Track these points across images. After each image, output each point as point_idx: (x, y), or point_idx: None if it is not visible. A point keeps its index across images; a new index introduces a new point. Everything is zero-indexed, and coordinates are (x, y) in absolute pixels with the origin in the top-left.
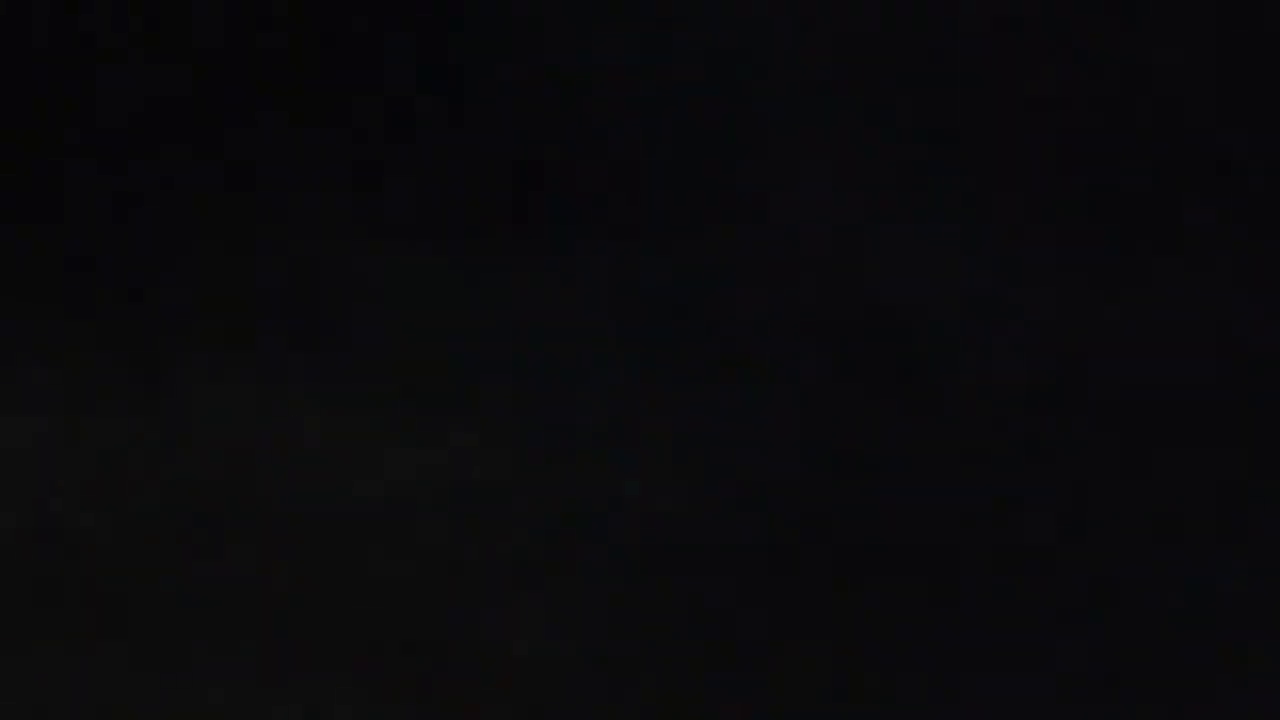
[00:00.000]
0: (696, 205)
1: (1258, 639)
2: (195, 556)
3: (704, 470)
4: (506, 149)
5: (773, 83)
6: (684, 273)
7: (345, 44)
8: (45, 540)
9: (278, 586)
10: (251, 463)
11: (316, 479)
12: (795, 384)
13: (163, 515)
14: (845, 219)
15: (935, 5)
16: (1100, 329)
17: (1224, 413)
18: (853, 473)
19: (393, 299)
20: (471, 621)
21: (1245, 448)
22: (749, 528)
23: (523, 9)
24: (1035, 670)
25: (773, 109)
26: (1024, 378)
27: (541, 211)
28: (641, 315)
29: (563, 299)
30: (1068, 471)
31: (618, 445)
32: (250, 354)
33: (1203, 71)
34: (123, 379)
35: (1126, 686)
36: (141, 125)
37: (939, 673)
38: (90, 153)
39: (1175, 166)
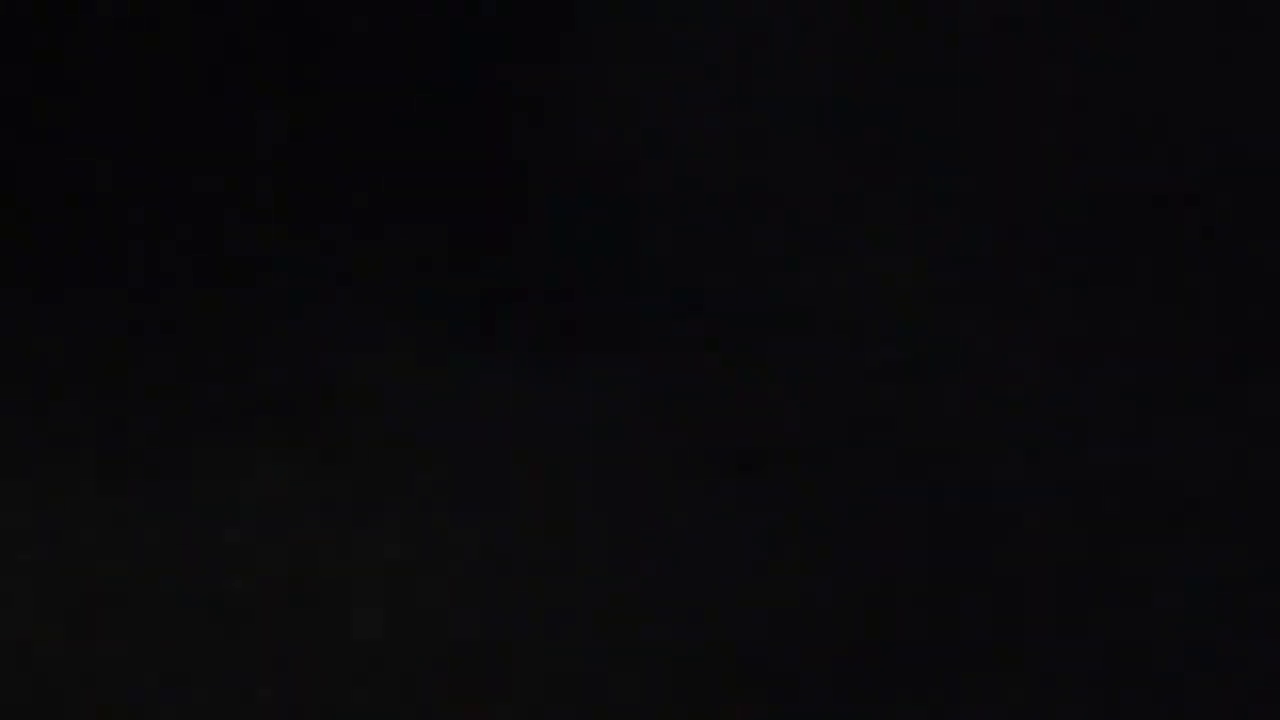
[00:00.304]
0: (732, 314)
1: None
2: (190, 656)
3: (739, 586)
4: (532, 252)
5: (808, 188)
6: (719, 382)
7: (370, 148)
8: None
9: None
10: (251, 561)
11: (318, 580)
12: (838, 494)
13: (148, 607)
14: (887, 330)
15: (975, 110)
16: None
17: None
18: (894, 601)
19: (408, 404)
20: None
21: None
22: (792, 646)
23: (553, 115)
24: None
25: (811, 216)
26: (1084, 488)
27: (572, 317)
28: (671, 423)
29: (592, 407)
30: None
31: (647, 557)
32: (256, 453)
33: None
34: (123, 474)
35: None
36: (153, 218)
37: None
38: (114, 243)
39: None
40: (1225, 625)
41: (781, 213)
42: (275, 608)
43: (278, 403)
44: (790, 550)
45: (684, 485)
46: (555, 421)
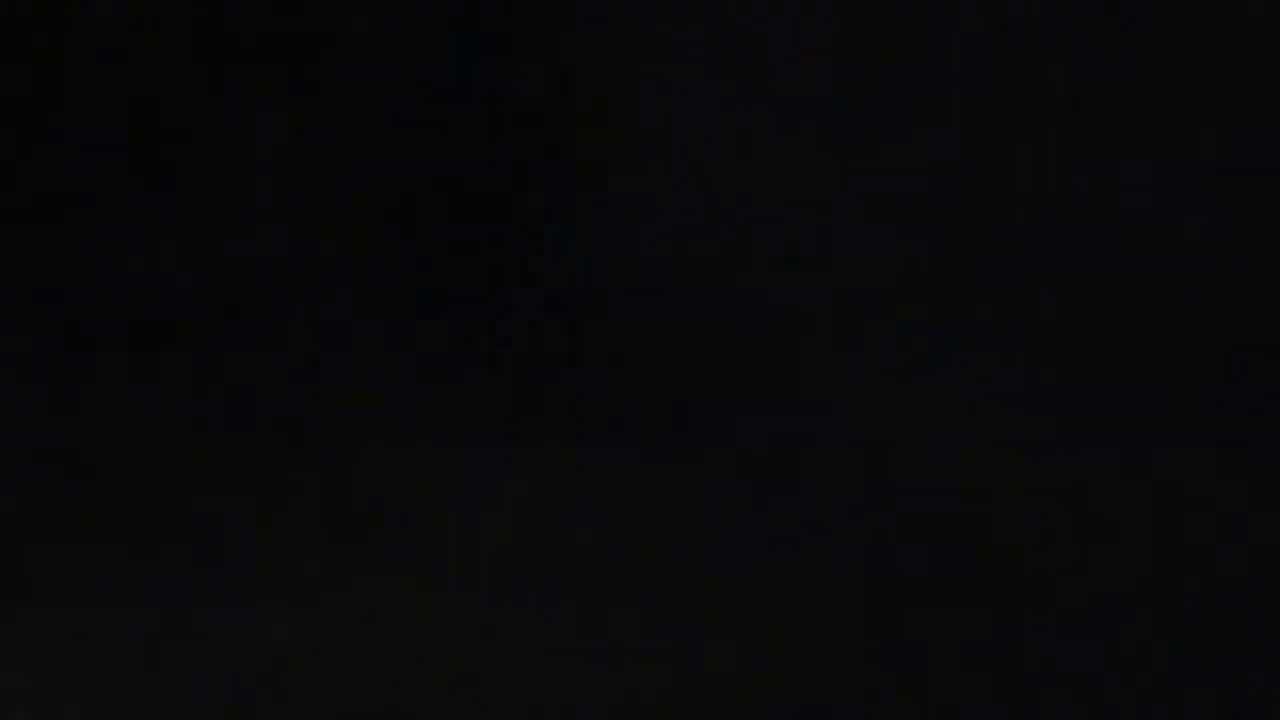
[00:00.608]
0: (754, 415)
1: None
2: None
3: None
4: (555, 350)
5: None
6: (731, 483)
7: (395, 256)
8: None
9: None
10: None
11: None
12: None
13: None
14: (881, 427)
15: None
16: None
17: None
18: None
19: (463, 508)
20: None
21: None
22: None
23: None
24: None
25: (829, 314)
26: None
27: (594, 415)
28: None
29: (605, 506)
30: None
31: (723, 646)
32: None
33: None
34: (158, 586)
35: None
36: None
37: None
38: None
39: None
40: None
41: (841, 334)
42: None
43: (336, 517)
44: (838, 662)
45: (751, 582)
46: (599, 519)
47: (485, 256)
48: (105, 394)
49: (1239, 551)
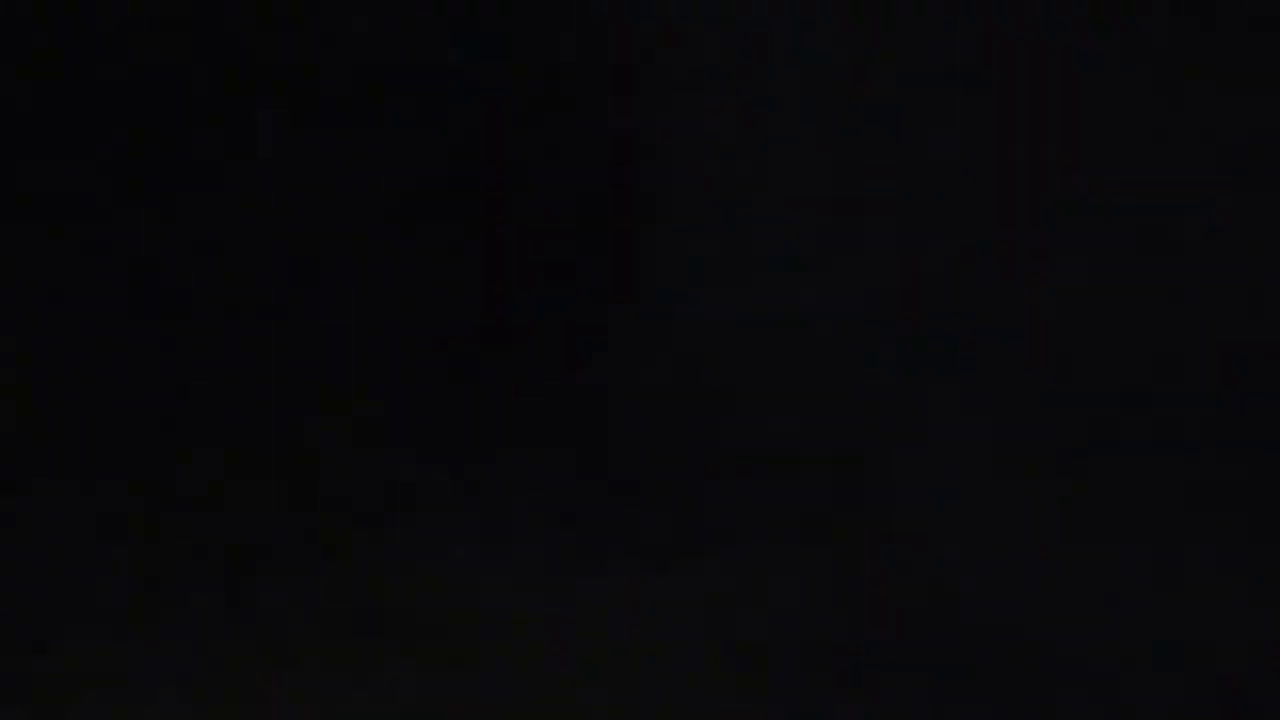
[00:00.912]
0: (816, 509)
1: None
2: None
3: None
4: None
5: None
6: (794, 589)
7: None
8: None
9: None
10: None
11: None
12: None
13: None
14: (975, 533)
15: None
16: None
17: None
18: None
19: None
20: None
21: None
22: None
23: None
24: None
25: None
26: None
27: (653, 522)
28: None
29: (668, 615)
30: None
31: None
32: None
33: None
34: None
35: None
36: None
37: None
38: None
39: None
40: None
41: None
42: None
43: (396, 622)
44: None
45: (817, 689)
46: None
47: (516, 365)
48: (111, 495)
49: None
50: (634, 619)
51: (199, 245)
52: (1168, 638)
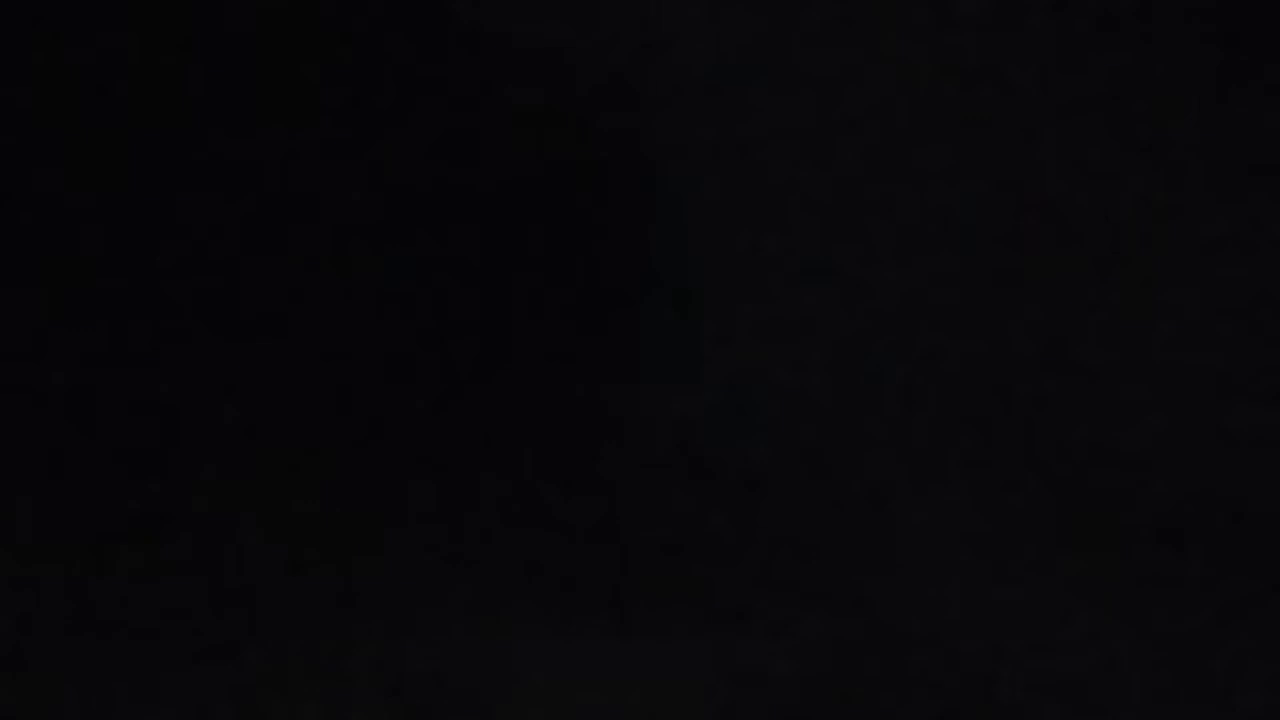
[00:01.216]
0: (811, 583)
1: None
2: None
3: None
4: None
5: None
6: (796, 656)
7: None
8: None
9: None
10: None
11: None
12: None
13: None
14: (973, 602)
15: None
16: None
17: None
18: None
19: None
20: None
21: None
22: None
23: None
24: None
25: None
26: None
27: (647, 590)
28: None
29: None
30: None
31: None
32: None
33: None
34: None
35: None
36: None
37: None
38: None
39: None
40: None
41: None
42: None
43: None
44: None
45: None
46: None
47: (535, 462)
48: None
49: None
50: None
51: (188, 249)
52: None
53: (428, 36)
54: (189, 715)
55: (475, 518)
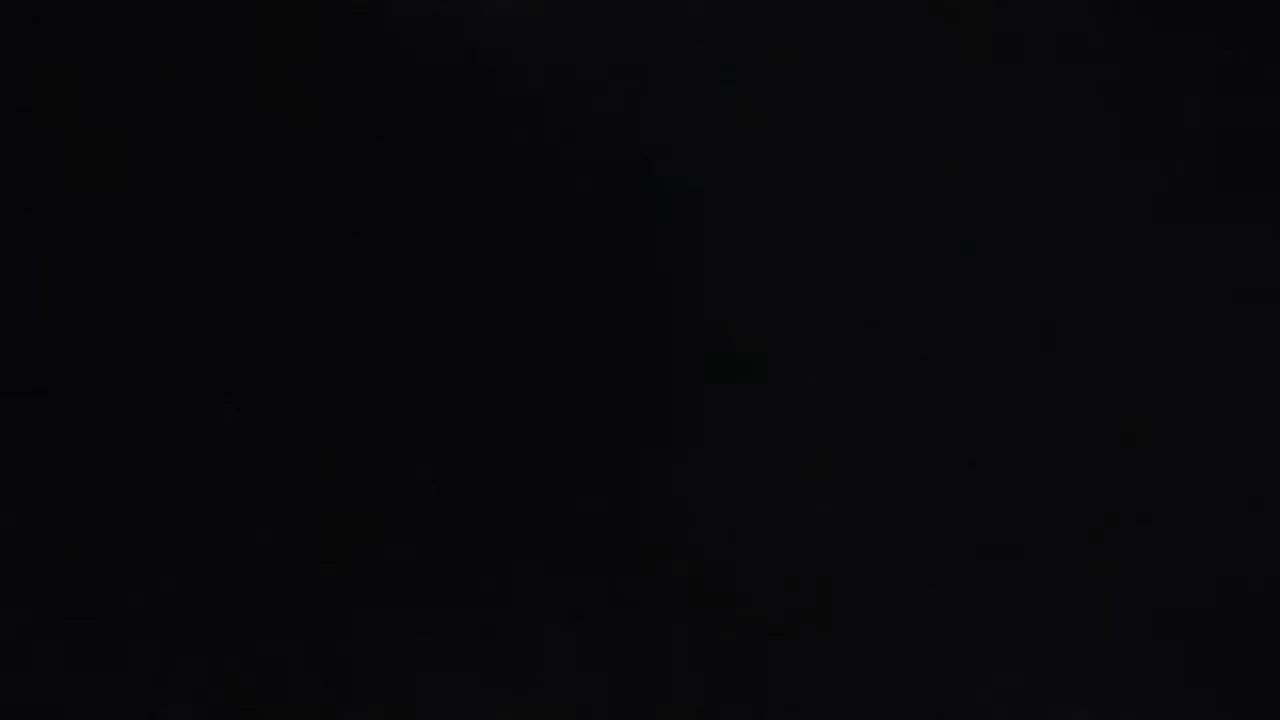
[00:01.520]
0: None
1: None
2: None
3: None
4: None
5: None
6: None
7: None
8: None
9: None
10: None
11: None
12: None
13: None
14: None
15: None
16: None
17: None
18: None
19: None
20: None
21: None
22: None
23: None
24: None
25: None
26: None
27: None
28: None
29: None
30: None
31: None
32: None
33: None
34: None
35: None
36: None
37: None
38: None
39: None
40: None
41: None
42: None
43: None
44: None
45: None
46: None
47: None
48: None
49: None
50: None
51: (188, 249)
52: None
53: (426, 36)
54: (189, 715)
55: (479, 613)
